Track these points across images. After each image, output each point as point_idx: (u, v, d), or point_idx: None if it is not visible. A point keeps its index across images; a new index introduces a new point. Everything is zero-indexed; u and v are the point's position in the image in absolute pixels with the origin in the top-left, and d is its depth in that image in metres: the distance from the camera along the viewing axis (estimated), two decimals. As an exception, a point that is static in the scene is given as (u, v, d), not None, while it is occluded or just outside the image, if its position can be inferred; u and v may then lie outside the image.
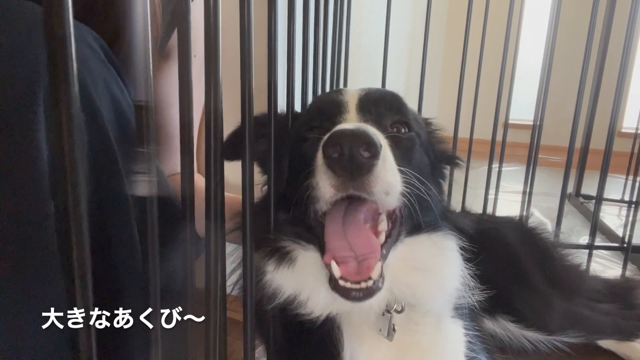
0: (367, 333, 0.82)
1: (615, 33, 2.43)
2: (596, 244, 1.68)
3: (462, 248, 0.87)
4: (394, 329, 0.81)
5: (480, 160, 1.89)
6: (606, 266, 1.79)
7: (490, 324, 1.13)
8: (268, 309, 0.80)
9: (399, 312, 0.81)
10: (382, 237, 0.77)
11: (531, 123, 1.76)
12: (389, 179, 0.69)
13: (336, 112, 0.82)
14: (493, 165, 1.82)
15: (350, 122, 0.79)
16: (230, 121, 0.77)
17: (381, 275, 0.72)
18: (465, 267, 0.87)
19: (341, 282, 0.71)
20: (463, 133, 1.77)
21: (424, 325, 0.86)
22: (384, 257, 0.75)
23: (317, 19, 1.15)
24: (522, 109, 2.38)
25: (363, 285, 0.71)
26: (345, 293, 0.71)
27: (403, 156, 0.80)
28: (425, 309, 0.85)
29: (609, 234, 2.09)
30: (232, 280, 0.92)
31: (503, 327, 1.14)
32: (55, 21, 0.37)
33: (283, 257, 0.81)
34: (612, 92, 1.77)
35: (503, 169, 1.83)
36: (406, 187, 0.73)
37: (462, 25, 1.71)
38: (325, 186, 0.69)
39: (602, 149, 1.71)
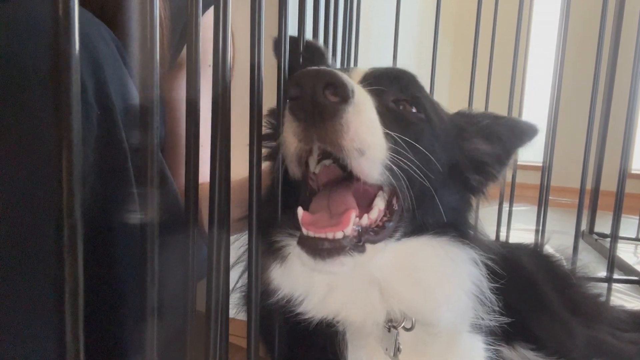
0: (373, 345, 0.76)
1: (621, 74, 2.46)
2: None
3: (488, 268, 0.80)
4: (399, 349, 0.74)
5: (489, 201, 1.87)
6: (626, 300, 1.72)
7: (508, 353, 1.07)
8: (266, 305, 0.75)
9: (407, 330, 0.74)
10: (374, 213, 0.68)
11: (539, 164, 1.77)
12: (361, 134, 0.59)
13: None
14: (503, 206, 1.84)
15: None
16: (239, 120, 0.75)
17: (359, 238, 0.64)
18: (485, 283, 0.79)
19: (304, 230, 0.63)
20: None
21: (435, 345, 0.79)
22: (370, 240, 0.67)
23: (327, 18, 1.16)
24: (530, 151, 2.37)
25: (329, 235, 0.61)
26: (310, 246, 0.62)
27: (402, 132, 0.68)
28: (435, 327, 0.77)
29: (626, 269, 2.02)
30: (236, 298, 0.86)
31: (522, 356, 1.07)
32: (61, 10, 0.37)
33: (276, 252, 0.75)
34: (620, 133, 1.78)
35: (513, 209, 1.85)
36: (394, 159, 0.64)
37: (468, 72, 1.77)
38: (288, 137, 0.62)
39: (612, 190, 1.72)
